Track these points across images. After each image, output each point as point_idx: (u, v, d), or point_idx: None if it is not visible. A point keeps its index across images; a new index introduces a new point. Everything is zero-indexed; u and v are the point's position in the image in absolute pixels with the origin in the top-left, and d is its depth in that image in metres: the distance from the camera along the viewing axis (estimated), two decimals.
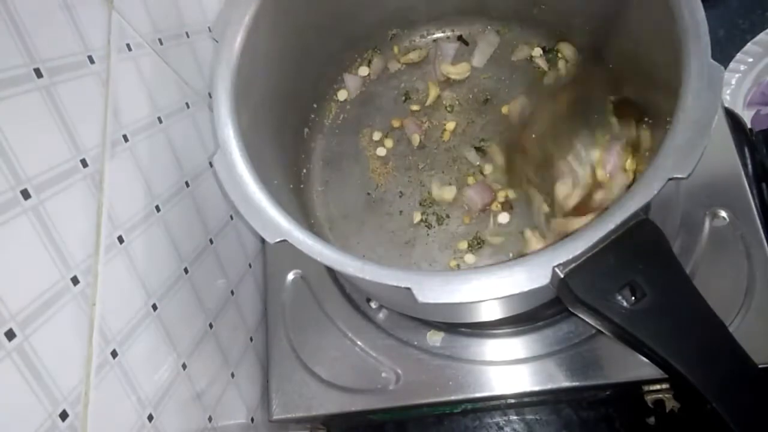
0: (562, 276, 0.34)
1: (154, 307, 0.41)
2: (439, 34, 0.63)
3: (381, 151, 0.59)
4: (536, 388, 0.51)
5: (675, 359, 0.33)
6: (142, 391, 0.38)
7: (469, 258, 0.53)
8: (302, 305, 0.58)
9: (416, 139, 0.58)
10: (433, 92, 0.60)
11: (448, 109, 0.59)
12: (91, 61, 0.38)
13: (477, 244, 0.54)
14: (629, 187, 0.43)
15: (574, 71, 0.57)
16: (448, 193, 0.56)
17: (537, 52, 0.59)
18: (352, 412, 0.53)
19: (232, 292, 0.56)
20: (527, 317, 0.52)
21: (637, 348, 0.35)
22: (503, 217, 0.54)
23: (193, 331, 0.47)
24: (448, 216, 0.55)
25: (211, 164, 0.53)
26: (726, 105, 0.62)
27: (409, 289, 0.34)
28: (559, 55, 0.59)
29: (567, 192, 0.49)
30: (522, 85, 0.59)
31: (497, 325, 0.54)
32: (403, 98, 0.61)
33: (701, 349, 0.34)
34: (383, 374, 0.54)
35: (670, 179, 0.34)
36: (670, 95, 0.39)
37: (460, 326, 0.54)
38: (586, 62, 0.57)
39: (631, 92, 0.53)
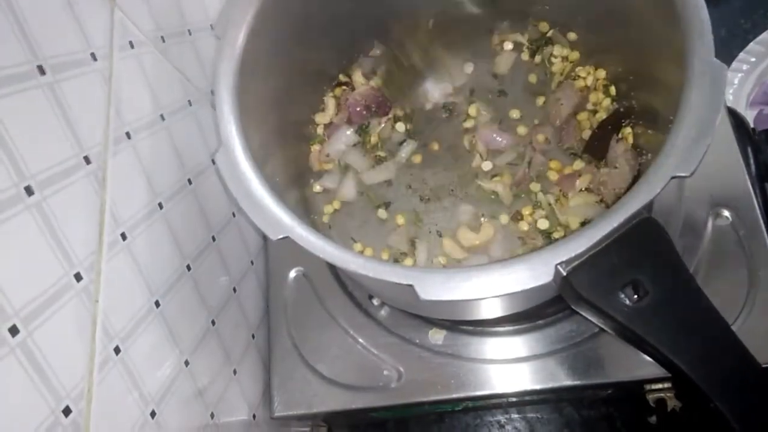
0: (564, 274, 0.34)
1: (157, 303, 0.42)
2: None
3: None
4: (538, 387, 0.51)
5: (678, 357, 0.33)
6: (145, 388, 0.38)
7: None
8: (304, 302, 0.58)
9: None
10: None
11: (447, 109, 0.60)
12: (94, 58, 0.38)
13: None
14: (632, 185, 0.43)
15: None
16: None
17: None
18: (353, 409, 0.53)
19: (235, 290, 0.56)
20: (529, 315, 0.52)
21: (639, 346, 0.35)
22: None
23: (196, 328, 0.47)
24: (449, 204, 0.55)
25: (213, 161, 0.53)
26: (729, 104, 0.62)
27: (411, 286, 0.34)
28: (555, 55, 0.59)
29: None
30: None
31: (499, 324, 0.54)
32: None
33: (704, 348, 0.34)
34: (385, 372, 0.54)
35: (673, 178, 0.34)
36: (673, 94, 0.39)
37: (462, 324, 0.54)
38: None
39: (634, 92, 0.53)
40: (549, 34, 0.58)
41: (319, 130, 0.59)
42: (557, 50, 0.58)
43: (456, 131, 0.58)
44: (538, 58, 0.59)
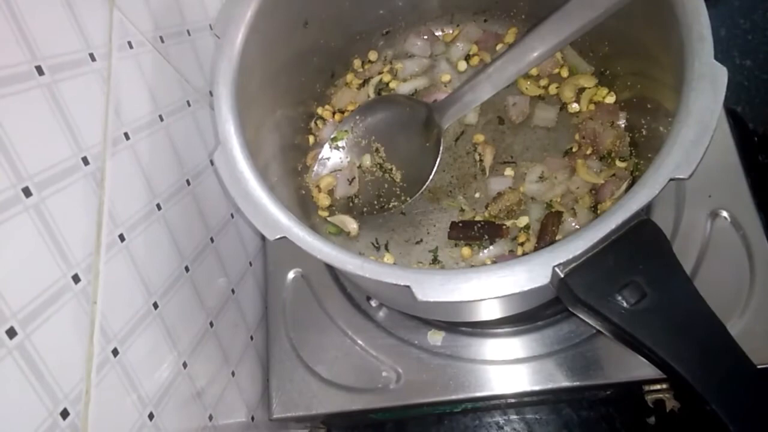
0: (562, 276, 0.34)
1: (155, 305, 0.42)
2: (440, 32, 0.63)
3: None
4: (536, 388, 0.52)
5: (674, 360, 0.33)
6: (143, 390, 0.38)
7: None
8: (303, 304, 0.58)
9: None
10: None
11: None
12: (93, 58, 0.38)
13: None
14: (630, 186, 0.43)
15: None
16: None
17: None
18: (352, 411, 0.53)
19: (233, 291, 0.56)
20: (528, 317, 0.52)
21: (636, 348, 0.35)
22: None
23: (194, 329, 0.47)
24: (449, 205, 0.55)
25: (212, 161, 0.53)
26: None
27: (408, 287, 0.34)
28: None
29: None
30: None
31: (498, 325, 0.54)
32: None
33: (700, 350, 0.33)
34: (384, 373, 0.54)
35: (672, 179, 0.34)
36: (672, 95, 0.39)
37: (461, 325, 0.54)
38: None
39: (633, 92, 0.53)
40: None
41: (317, 131, 0.59)
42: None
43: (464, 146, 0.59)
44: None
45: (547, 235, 0.51)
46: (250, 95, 0.46)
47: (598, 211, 0.51)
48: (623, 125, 0.53)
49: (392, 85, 0.61)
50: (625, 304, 0.34)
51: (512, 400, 0.58)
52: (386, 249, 0.55)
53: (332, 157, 0.57)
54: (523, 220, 0.53)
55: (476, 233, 0.53)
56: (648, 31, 0.45)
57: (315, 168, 0.57)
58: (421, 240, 0.55)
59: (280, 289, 0.59)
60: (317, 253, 0.38)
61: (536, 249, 0.51)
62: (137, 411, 0.37)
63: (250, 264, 0.61)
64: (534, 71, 0.58)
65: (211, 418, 0.47)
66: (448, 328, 0.54)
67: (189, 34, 0.52)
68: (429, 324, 0.55)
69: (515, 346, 0.53)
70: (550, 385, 0.51)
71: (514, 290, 0.34)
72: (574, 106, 0.57)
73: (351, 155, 0.57)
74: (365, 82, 0.61)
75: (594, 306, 0.34)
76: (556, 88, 0.58)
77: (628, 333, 0.34)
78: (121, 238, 0.39)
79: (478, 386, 0.52)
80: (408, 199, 0.54)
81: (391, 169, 0.55)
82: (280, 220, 0.39)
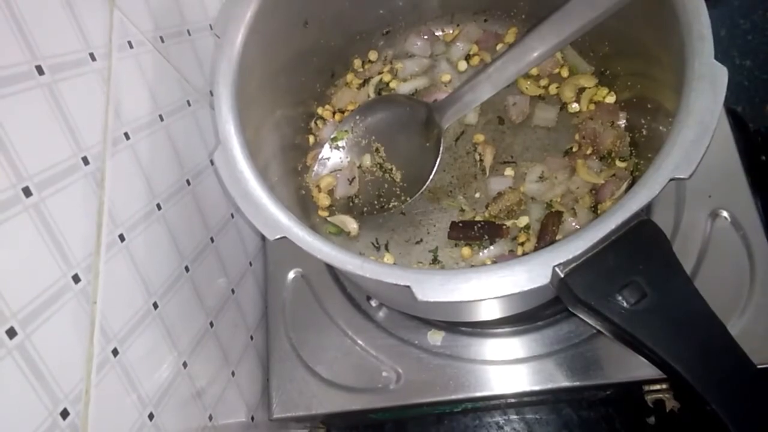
0: (562, 276, 0.34)
1: (155, 305, 0.41)
2: (440, 32, 0.63)
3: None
4: (536, 388, 0.52)
5: (674, 360, 0.33)
6: (143, 390, 0.38)
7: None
8: (303, 304, 0.58)
9: None
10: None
11: None
12: (93, 58, 0.38)
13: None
14: (630, 186, 0.43)
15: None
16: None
17: None
18: (352, 411, 0.53)
19: (233, 291, 0.56)
20: (528, 317, 0.53)
21: (636, 348, 0.35)
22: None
23: (194, 329, 0.47)
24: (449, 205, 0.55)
25: (212, 161, 0.53)
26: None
27: (408, 287, 0.34)
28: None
29: None
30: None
31: (498, 325, 0.54)
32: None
33: (701, 350, 0.33)
34: (384, 373, 0.54)
35: (672, 179, 0.34)
36: (672, 95, 0.39)
37: (461, 325, 0.54)
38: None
39: (633, 92, 0.53)
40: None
41: (317, 131, 0.59)
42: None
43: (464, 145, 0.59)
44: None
45: (547, 235, 0.51)
46: (250, 95, 0.46)
47: (598, 211, 0.51)
48: (623, 125, 0.53)
49: (392, 84, 0.61)
50: (625, 304, 0.34)
51: (512, 400, 0.58)
52: (386, 249, 0.55)
53: (332, 157, 0.57)
54: (523, 220, 0.53)
55: (476, 233, 0.53)
56: (648, 31, 0.45)
57: (315, 168, 0.57)
58: (421, 240, 0.55)
59: (280, 289, 0.59)
60: (317, 253, 0.38)
61: (536, 249, 0.51)
62: (137, 411, 0.37)
63: (250, 264, 0.61)
64: (534, 71, 0.58)
65: (211, 418, 0.47)
66: (448, 328, 0.54)
67: (189, 34, 0.52)
68: (429, 324, 0.55)
69: (515, 346, 0.53)
70: (550, 385, 0.51)
71: (514, 290, 0.34)
72: (574, 106, 0.57)
73: (351, 155, 0.57)
74: (365, 82, 0.61)
75: (594, 306, 0.34)
76: (557, 88, 0.58)
77: (628, 333, 0.34)
78: (121, 238, 0.39)
79: (478, 386, 0.52)
80: (408, 199, 0.54)
81: (391, 169, 0.55)
82: (280, 220, 0.39)
